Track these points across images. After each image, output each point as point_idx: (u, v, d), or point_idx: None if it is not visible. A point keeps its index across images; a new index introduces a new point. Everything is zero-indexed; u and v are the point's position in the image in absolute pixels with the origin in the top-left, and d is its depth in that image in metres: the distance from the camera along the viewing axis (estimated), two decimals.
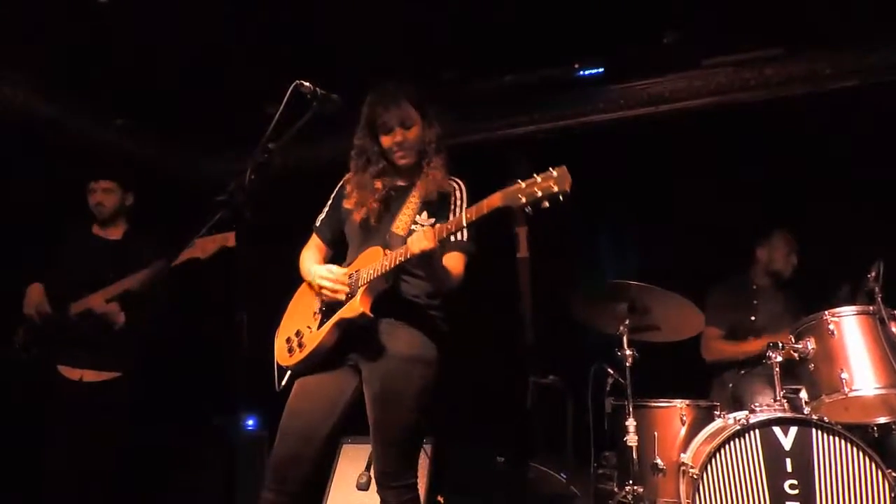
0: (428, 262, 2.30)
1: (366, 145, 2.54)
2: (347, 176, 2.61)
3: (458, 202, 2.54)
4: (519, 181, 2.09)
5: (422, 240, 2.22)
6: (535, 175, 2.07)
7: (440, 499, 3.96)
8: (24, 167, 4.18)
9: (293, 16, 3.82)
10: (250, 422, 4.40)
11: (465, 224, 2.20)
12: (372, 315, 2.33)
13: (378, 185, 2.53)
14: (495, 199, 2.14)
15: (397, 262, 2.28)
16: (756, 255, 4.13)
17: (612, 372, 3.60)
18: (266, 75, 3.35)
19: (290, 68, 2.40)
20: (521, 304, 4.97)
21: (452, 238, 2.42)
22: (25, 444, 3.60)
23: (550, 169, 2.06)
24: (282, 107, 2.13)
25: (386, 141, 2.51)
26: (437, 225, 2.30)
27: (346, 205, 2.58)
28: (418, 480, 3.85)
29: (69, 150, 4.50)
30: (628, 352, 3.41)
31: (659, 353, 3.64)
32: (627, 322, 3.45)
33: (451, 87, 4.57)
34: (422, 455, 3.95)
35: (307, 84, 2.26)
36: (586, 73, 4.60)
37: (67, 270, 3.65)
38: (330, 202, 2.70)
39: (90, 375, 3.54)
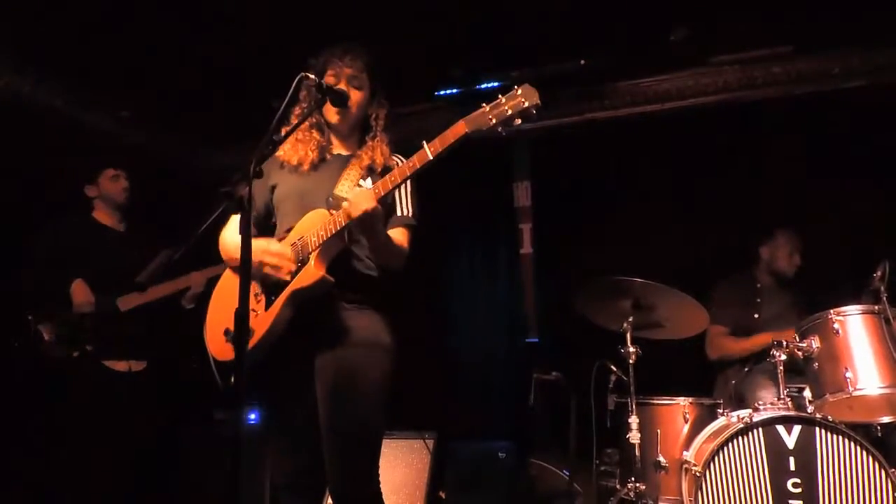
0: (370, 225, 2.13)
1: (310, 95, 2.38)
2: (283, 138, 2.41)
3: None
4: (483, 105, 2.02)
5: (363, 199, 2.08)
6: (499, 96, 2.01)
7: (441, 495, 3.97)
8: (30, 157, 4.18)
9: (298, 8, 3.81)
10: (252, 416, 4.40)
11: (431, 158, 2.05)
12: (332, 279, 2.17)
13: (316, 135, 2.41)
14: (460, 127, 2.03)
15: (339, 227, 2.14)
16: (759, 253, 4.12)
17: (615, 369, 3.59)
18: (271, 66, 3.34)
19: (296, 61, 2.39)
20: (524, 300, 4.97)
21: (399, 212, 2.32)
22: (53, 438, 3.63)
23: (515, 87, 1.99)
24: (287, 99, 2.12)
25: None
26: (378, 182, 2.14)
27: (279, 155, 2.38)
28: (420, 476, 3.91)
29: (75, 141, 4.50)
30: (632, 349, 3.41)
31: (662, 351, 3.64)
32: (631, 319, 3.45)
33: (458, 84, 4.57)
34: (423, 450, 3.96)
35: (312, 76, 2.26)
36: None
37: (98, 264, 3.65)
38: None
39: (136, 365, 3.67)
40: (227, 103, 4.56)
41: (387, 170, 2.34)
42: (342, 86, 2.36)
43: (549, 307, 4.81)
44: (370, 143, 2.42)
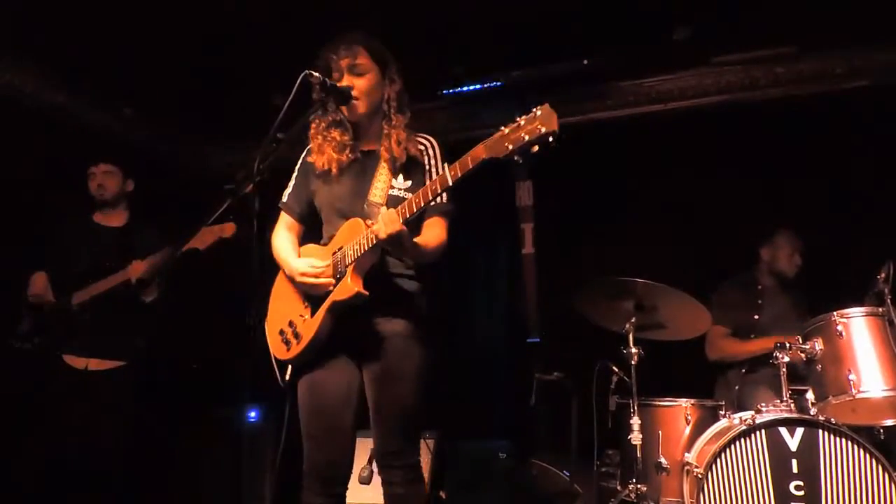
0: (398, 243, 2.19)
1: (317, 93, 2.38)
2: (310, 146, 2.49)
3: (433, 161, 2.43)
4: (502, 128, 1.98)
5: (389, 223, 2.13)
6: (517, 118, 1.97)
7: (442, 494, 3.96)
8: (31, 155, 4.17)
9: (301, 4, 3.81)
10: (253, 413, 4.40)
11: (451, 183, 2.07)
12: (367, 293, 2.24)
13: (335, 134, 2.42)
14: (479, 151, 2.02)
15: (372, 244, 2.21)
16: (760, 254, 4.11)
17: (616, 369, 3.59)
18: (274, 65, 3.33)
19: (299, 58, 2.38)
20: (526, 300, 4.96)
21: (434, 201, 2.33)
22: (25, 432, 3.60)
23: (534, 109, 1.94)
24: (291, 97, 2.11)
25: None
26: (403, 204, 2.18)
27: (310, 159, 2.46)
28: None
29: (78, 139, 4.50)
30: (634, 350, 3.40)
31: (664, 352, 3.63)
32: (634, 320, 3.43)
33: (460, 83, 4.57)
34: (424, 450, 3.95)
35: (316, 74, 2.25)
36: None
37: (69, 258, 3.63)
38: (295, 174, 2.55)
39: (95, 364, 3.54)
40: (230, 100, 4.56)
41: (410, 159, 2.39)
42: (345, 80, 2.35)
43: (551, 307, 4.79)
44: (386, 131, 2.41)
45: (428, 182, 2.29)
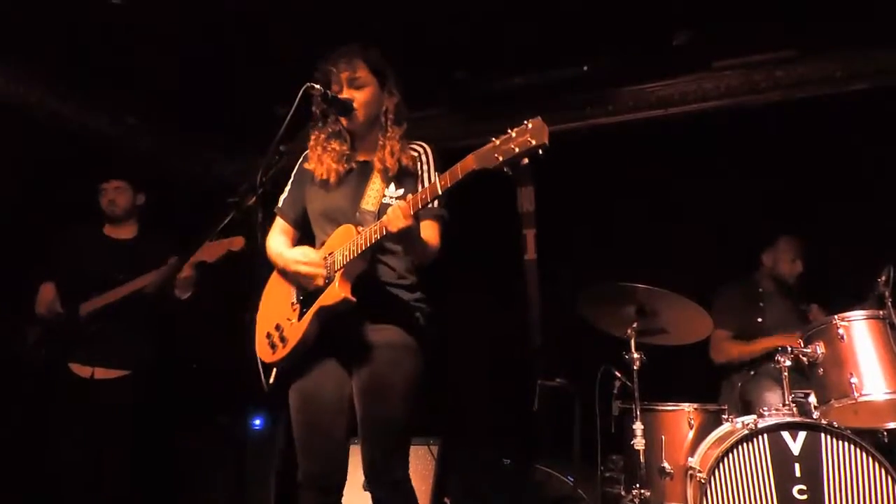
0: (407, 238, 2.21)
1: (317, 106, 2.43)
2: (307, 153, 2.51)
3: (426, 167, 2.44)
4: (493, 139, 2.00)
5: (399, 218, 2.12)
6: (509, 130, 1.98)
7: (446, 500, 3.97)
8: (36, 165, 4.19)
9: (301, 15, 3.82)
10: (257, 421, 4.41)
11: (440, 192, 2.09)
12: (354, 299, 2.24)
13: (335, 145, 2.44)
14: (469, 162, 2.03)
15: (373, 241, 2.19)
16: (762, 260, 4.12)
17: (619, 375, 3.59)
18: (275, 74, 3.35)
19: (300, 68, 2.40)
20: (528, 306, 4.97)
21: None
22: (33, 441, 3.63)
23: (525, 121, 1.96)
24: (293, 109, 2.13)
25: None
26: (410, 197, 2.18)
27: (307, 166, 2.48)
28: (425, 482, 3.91)
29: (82, 149, 4.52)
30: (636, 355, 3.41)
31: (667, 357, 3.64)
32: (636, 325, 3.44)
33: (462, 88, 4.58)
34: (428, 457, 3.96)
35: (318, 86, 2.27)
36: None
37: (79, 270, 3.66)
38: (291, 180, 2.57)
39: (101, 373, 3.57)
40: (232, 110, 4.57)
41: (403, 169, 2.40)
42: (345, 92, 2.37)
43: (554, 313, 4.80)
44: (381, 142, 2.42)
45: (419, 188, 2.30)
